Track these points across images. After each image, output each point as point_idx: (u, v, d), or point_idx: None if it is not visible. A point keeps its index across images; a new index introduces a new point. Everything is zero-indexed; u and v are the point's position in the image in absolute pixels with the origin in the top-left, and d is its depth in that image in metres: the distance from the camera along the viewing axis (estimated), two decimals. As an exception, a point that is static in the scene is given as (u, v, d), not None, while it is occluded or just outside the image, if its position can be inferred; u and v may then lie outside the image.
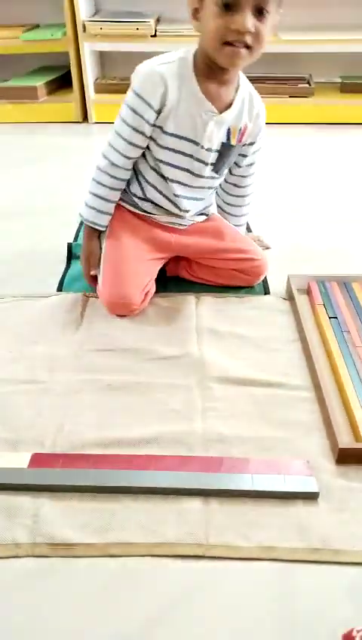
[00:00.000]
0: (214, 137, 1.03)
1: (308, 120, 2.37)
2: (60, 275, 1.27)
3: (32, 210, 1.63)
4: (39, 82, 2.41)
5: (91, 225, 1.10)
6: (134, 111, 0.98)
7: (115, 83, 2.49)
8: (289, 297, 1.17)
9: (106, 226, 1.10)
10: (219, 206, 1.23)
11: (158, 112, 0.98)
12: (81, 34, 2.31)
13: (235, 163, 1.12)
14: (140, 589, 0.65)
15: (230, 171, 1.14)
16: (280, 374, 0.95)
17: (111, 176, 1.06)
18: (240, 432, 0.84)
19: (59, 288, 1.22)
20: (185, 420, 0.86)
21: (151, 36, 2.28)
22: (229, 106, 1.01)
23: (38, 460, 0.78)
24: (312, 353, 0.97)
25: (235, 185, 1.17)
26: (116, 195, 1.09)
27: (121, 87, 2.47)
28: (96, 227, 1.10)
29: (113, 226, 1.12)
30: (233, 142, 1.05)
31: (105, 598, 0.64)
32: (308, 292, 1.18)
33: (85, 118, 2.46)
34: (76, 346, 1.03)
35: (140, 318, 1.10)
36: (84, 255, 1.13)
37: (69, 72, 2.42)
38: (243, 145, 1.09)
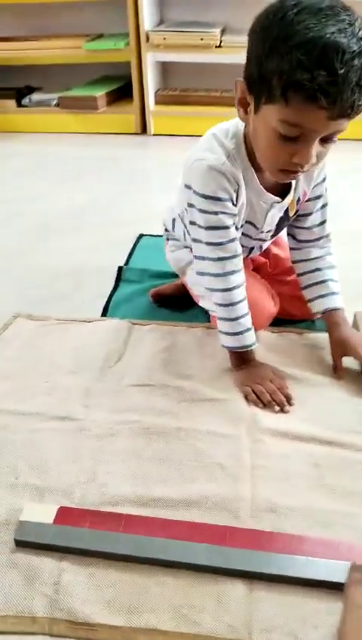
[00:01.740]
0: (275, 220, 0.94)
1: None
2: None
3: (84, 226, 1.58)
4: (99, 92, 2.38)
5: (238, 350, 0.92)
6: (216, 213, 0.84)
7: (176, 94, 2.43)
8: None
9: (254, 343, 0.92)
10: (302, 286, 1.02)
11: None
12: (144, 44, 2.26)
13: (302, 227, 0.98)
14: None
15: (299, 227, 0.98)
16: (347, 432, 0.83)
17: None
18: (294, 501, 0.72)
19: (104, 313, 1.15)
20: (230, 479, 0.76)
21: (216, 47, 2.21)
22: (289, 186, 0.90)
23: (64, 514, 0.70)
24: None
25: (310, 241, 0.98)
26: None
27: (181, 99, 2.41)
28: (245, 349, 0.92)
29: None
30: (291, 213, 0.95)
31: None
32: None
33: (144, 129, 2.41)
34: (116, 379, 0.95)
35: (187, 349, 1.01)
36: (252, 381, 0.90)
37: (129, 83, 2.38)
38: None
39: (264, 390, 0.88)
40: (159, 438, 0.83)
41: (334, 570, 0.63)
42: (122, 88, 2.48)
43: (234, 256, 0.87)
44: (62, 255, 1.42)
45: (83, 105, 2.38)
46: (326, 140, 0.73)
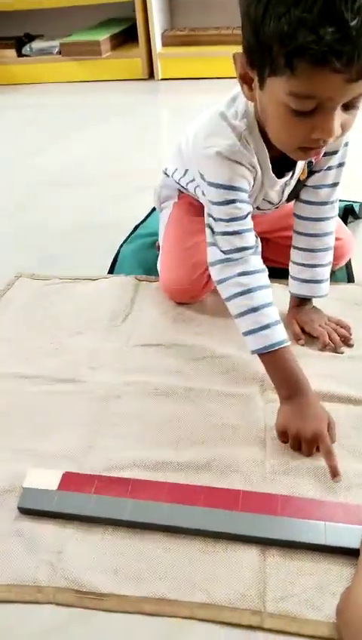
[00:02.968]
0: (289, 190, 0.83)
1: None
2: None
3: (92, 178, 1.51)
4: (103, 36, 2.25)
5: (272, 349, 0.72)
6: (232, 201, 0.73)
7: (184, 35, 2.28)
8: (379, 286, 0.97)
9: (286, 340, 0.73)
10: (292, 258, 0.90)
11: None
12: (148, -20, 2.11)
13: (313, 187, 0.83)
14: (178, 663, 0.52)
15: (308, 201, 0.84)
16: (365, 388, 0.78)
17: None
18: (311, 463, 0.68)
19: (111, 270, 1.09)
20: (243, 440, 0.72)
21: (226, -22, 2.04)
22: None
23: (69, 480, 0.67)
24: None
25: (315, 219, 0.85)
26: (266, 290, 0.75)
27: (190, 39, 2.27)
28: (279, 347, 0.72)
29: (175, 208, 0.99)
30: (302, 177, 0.81)
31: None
32: None
33: (151, 74, 2.28)
34: (123, 339, 0.91)
35: (197, 307, 0.95)
36: (296, 431, 0.69)
37: (134, 25, 2.24)
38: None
39: (299, 449, 0.69)
40: (168, 399, 0.79)
41: (355, 536, 0.59)
42: (127, 31, 2.34)
43: (252, 246, 0.75)
44: (67, 210, 1.35)
45: (86, 51, 2.26)
46: (349, 107, 0.60)
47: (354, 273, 1.02)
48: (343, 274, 1.01)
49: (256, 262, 0.75)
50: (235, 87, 0.71)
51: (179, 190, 0.99)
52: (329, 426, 0.68)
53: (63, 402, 0.79)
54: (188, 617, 0.55)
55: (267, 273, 0.76)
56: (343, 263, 1.01)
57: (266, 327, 0.72)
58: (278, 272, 0.98)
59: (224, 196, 0.73)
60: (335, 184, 0.82)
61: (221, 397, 0.78)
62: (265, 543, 0.60)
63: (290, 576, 0.57)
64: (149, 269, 1.06)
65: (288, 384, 0.72)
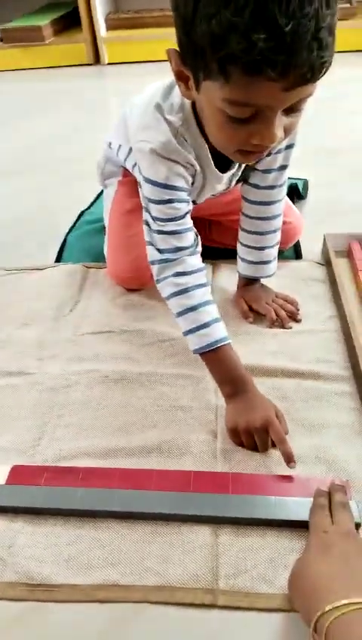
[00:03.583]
0: (233, 181, 0.80)
1: (349, 47, 2.06)
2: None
3: (39, 166, 1.47)
4: (44, 21, 2.19)
5: (213, 348, 0.70)
6: (170, 201, 0.71)
7: (128, 17, 2.24)
8: (326, 262, 0.98)
9: (226, 337, 0.71)
10: (240, 240, 0.89)
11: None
12: None
13: (261, 172, 0.80)
14: (133, 648, 0.52)
15: (256, 185, 0.81)
16: (313, 361, 0.78)
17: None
18: (262, 439, 0.68)
19: (58, 258, 1.07)
20: (194, 421, 0.71)
21: None
22: None
23: (18, 473, 0.65)
24: (353, 333, 0.79)
25: (263, 203, 0.83)
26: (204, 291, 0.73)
27: (135, 22, 2.23)
28: (219, 345, 0.70)
29: (119, 190, 0.96)
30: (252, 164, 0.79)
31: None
32: (349, 255, 0.99)
33: (97, 59, 2.23)
34: (71, 329, 0.89)
35: (146, 292, 0.94)
36: (245, 425, 0.67)
37: (77, 8, 2.18)
38: None
39: (254, 443, 0.67)
40: (118, 385, 0.78)
41: (304, 508, 0.59)
42: (69, 15, 2.28)
43: (191, 246, 0.72)
44: (11, 199, 1.32)
45: (28, 37, 2.19)
46: (292, 110, 0.56)
47: (301, 250, 1.02)
48: (291, 251, 1.01)
49: (194, 261, 0.72)
50: (170, 76, 0.64)
51: (123, 167, 0.94)
52: (278, 416, 0.67)
53: (11, 396, 0.77)
54: (141, 601, 0.55)
55: (205, 272, 0.73)
56: (292, 244, 1.01)
57: (205, 325, 0.70)
58: (227, 253, 0.99)
59: (160, 195, 0.70)
60: (283, 167, 0.80)
61: (172, 379, 0.78)
62: (218, 521, 0.60)
63: (242, 553, 0.57)
64: (97, 256, 1.03)
65: (230, 381, 0.70)
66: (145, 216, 0.73)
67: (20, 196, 1.33)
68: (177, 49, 0.56)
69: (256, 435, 0.66)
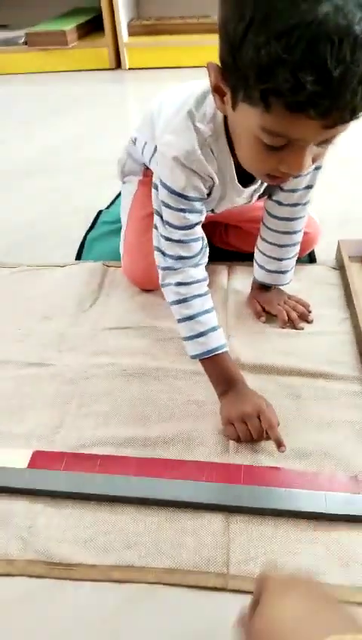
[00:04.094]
0: (254, 196, 0.80)
1: None
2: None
3: (59, 167, 1.51)
4: (69, 26, 2.23)
5: (208, 355, 0.73)
6: (184, 210, 0.71)
7: (150, 24, 2.28)
8: (340, 266, 1.01)
9: (224, 345, 0.74)
10: (258, 247, 0.89)
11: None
12: (112, -33, 2.10)
13: (289, 190, 0.80)
14: (147, 624, 0.54)
15: (279, 202, 0.82)
16: (326, 362, 0.81)
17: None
18: (273, 434, 0.70)
19: (78, 256, 1.10)
20: (209, 415, 0.74)
21: (190, -34, 2.05)
22: None
23: (39, 458, 0.68)
24: (364, 336, 0.82)
25: (286, 219, 0.83)
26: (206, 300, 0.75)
27: (156, 28, 2.27)
28: (214, 353, 0.73)
29: (140, 189, 0.97)
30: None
31: (107, 634, 0.54)
32: (362, 260, 1.01)
33: (118, 64, 2.27)
34: (91, 323, 0.92)
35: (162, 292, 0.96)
36: (237, 415, 0.70)
37: (100, 14, 2.23)
38: None
39: (248, 430, 0.69)
40: (135, 379, 0.80)
41: (313, 501, 0.61)
42: (93, 20, 2.33)
43: (195, 256, 0.74)
44: (34, 199, 1.35)
45: (52, 41, 2.24)
46: (324, 142, 0.56)
47: (315, 254, 1.04)
48: (305, 256, 1.04)
49: (195, 273, 0.73)
50: (206, 81, 0.62)
51: (145, 165, 0.94)
52: (268, 406, 0.70)
53: (33, 385, 0.80)
54: (155, 582, 0.57)
55: (207, 282, 0.75)
56: (308, 251, 1.03)
57: (201, 334, 0.72)
58: (242, 255, 1.02)
59: (175, 202, 0.70)
60: (309, 186, 0.80)
61: (187, 375, 0.80)
62: (229, 510, 0.62)
63: (252, 541, 0.60)
64: (115, 255, 1.06)
65: (223, 381, 0.73)
66: (156, 219, 0.74)
67: (42, 196, 1.37)
68: (218, 64, 0.55)
69: (248, 423, 0.68)
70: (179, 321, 0.74)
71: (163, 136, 0.70)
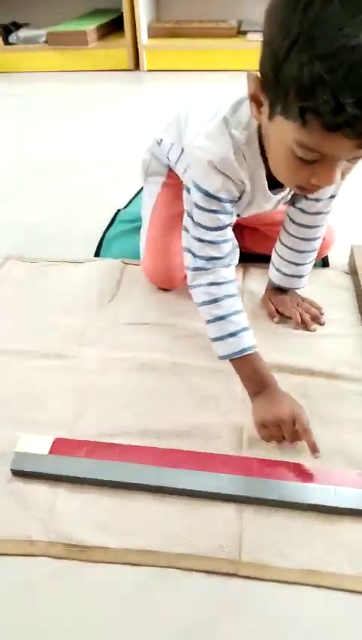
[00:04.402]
0: (281, 201, 0.83)
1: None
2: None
3: (77, 166, 1.54)
4: (90, 26, 2.27)
5: (240, 355, 0.74)
6: (217, 211, 0.73)
7: (169, 27, 2.31)
8: (352, 271, 1.03)
9: (253, 346, 0.75)
10: (277, 251, 0.92)
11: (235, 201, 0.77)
12: (135, -30, 2.13)
13: (313, 199, 0.82)
14: (159, 607, 0.57)
15: (302, 210, 0.84)
16: (337, 363, 0.83)
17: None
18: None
19: (97, 253, 1.13)
20: (223, 410, 0.77)
21: (212, -28, 2.08)
22: None
23: (60, 445, 0.71)
24: (375, 339, 0.84)
25: (307, 226, 0.86)
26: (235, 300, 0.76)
27: (175, 31, 2.30)
28: (245, 353, 0.74)
29: (164, 190, 0.99)
30: None
31: (120, 614, 0.57)
32: (374, 266, 1.03)
33: (137, 65, 2.30)
34: (110, 318, 0.95)
35: (181, 288, 0.99)
36: (272, 419, 0.71)
37: (121, 16, 2.26)
38: None
39: (282, 435, 0.71)
40: (153, 373, 0.83)
41: (324, 494, 0.64)
42: (114, 21, 2.36)
43: (226, 256, 0.75)
44: (54, 196, 1.39)
45: (73, 40, 2.27)
46: (354, 158, 0.59)
47: (328, 258, 1.07)
48: (319, 260, 1.06)
49: (226, 273, 0.75)
50: (241, 87, 0.65)
51: (169, 166, 0.95)
52: (301, 411, 0.70)
53: (54, 376, 0.83)
54: (168, 566, 0.60)
55: (237, 284, 0.77)
56: (323, 256, 1.05)
57: (233, 334, 0.74)
58: (257, 257, 1.04)
59: (209, 204, 0.72)
60: (333, 196, 0.82)
61: (203, 371, 0.83)
62: (242, 501, 0.65)
63: (264, 531, 0.62)
64: (132, 253, 1.09)
65: (255, 382, 0.74)
66: (186, 221, 0.76)
67: (60, 193, 1.40)
68: (258, 74, 0.57)
69: (283, 427, 0.69)
70: (209, 322, 0.76)
71: (196, 140, 0.72)
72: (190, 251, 0.76)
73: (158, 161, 0.98)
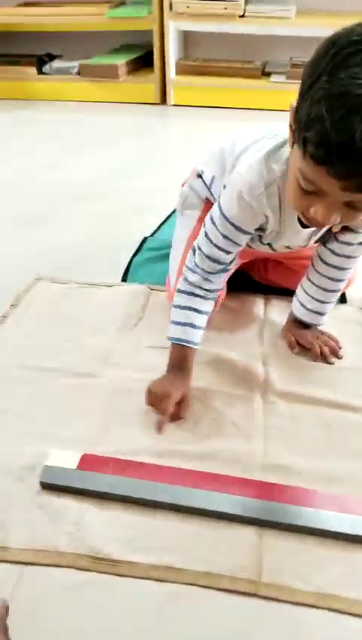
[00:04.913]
0: (313, 238, 0.88)
1: None
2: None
3: (105, 193, 1.60)
4: (120, 61, 2.37)
5: (180, 343, 0.85)
6: (226, 237, 0.81)
7: (196, 65, 2.42)
8: (369, 309, 1.07)
9: (191, 342, 0.85)
10: (303, 286, 0.95)
11: (260, 231, 0.84)
12: (166, 12, 2.24)
13: (344, 242, 0.87)
14: (182, 622, 0.59)
15: (332, 251, 0.89)
16: (355, 396, 0.86)
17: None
18: (305, 458, 0.76)
19: (124, 278, 1.18)
20: (244, 436, 0.80)
21: (240, 16, 2.18)
22: None
23: (87, 461, 0.74)
24: (392, 375, 0.87)
25: (335, 267, 0.90)
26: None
27: (202, 69, 2.40)
28: (188, 345, 0.85)
29: (197, 227, 0.99)
30: (335, 230, 0.83)
31: (144, 626, 0.59)
32: (391, 304, 1.07)
33: (164, 99, 2.40)
34: (135, 341, 0.99)
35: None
36: (160, 389, 0.82)
37: (151, 52, 2.36)
38: None
39: (159, 405, 0.81)
40: (176, 396, 0.86)
41: (341, 522, 0.66)
42: (143, 57, 2.46)
43: (214, 273, 0.84)
44: (82, 222, 1.44)
45: (104, 73, 2.37)
46: (352, 206, 0.62)
47: (346, 294, 1.11)
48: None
49: (207, 284, 0.84)
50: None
51: (207, 199, 0.99)
52: (182, 397, 0.81)
53: (80, 394, 0.87)
54: (190, 584, 0.62)
55: (216, 294, 0.87)
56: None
57: (182, 324, 0.84)
58: (279, 290, 1.08)
59: (222, 227, 0.79)
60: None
61: (224, 397, 0.86)
62: (262, 524, 0.67)
63: (284, 554, 0.65)
64: (157, 280, 1.13)
65: (173, 365, 0.86)
66: (201, 228, 0.83)
67: (89, 219, 1.45)
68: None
69: (157, 399, 0.80)
70: (173, 306, 0.86)
71: (238, 167, 0.79)
72: (193, 250, 0.84)
73: (196, 194, 1.01)
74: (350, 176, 0.56)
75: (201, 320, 0.86)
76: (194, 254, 0.84)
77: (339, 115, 0.52)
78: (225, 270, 0.85)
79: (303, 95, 0.57)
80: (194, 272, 0.85)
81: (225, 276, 0.87)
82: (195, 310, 0.85)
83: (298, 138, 0.60)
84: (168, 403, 0.80)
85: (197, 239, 0.84)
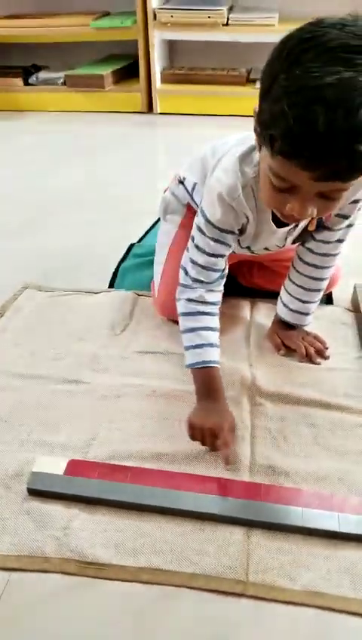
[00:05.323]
0: (288, 238, 0.89)
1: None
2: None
3: (90, 203, 1.61)
4: (106, 71, 2.39)
5: (203, 366, 0.82)
6: (217, 240, 0.81)
7: (182, 73, 2.44)
8: (355, 309, 1.08)
9: (214, 361, 0.82)
10: (285, 287, 0.97)
11: (239, 233, 0.84)
12: (151, 22, 2.27)
13: (321, 241, 0.88)
14: (171, 623, 0.59)
15: (311, 250, 0.90)
16: (341, 396, 0.87)
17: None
18: (291, 458, 0.77)
19: (111, 284, 1.19)
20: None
21: (223, 25, 2.21)
22: None
23: (74, 467, 0.74)
24: (377, 374, 0.88)
25: (315, 266, 0.91)
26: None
27: (188, 78, 2.42)
28: (209, 365, 0.82)
29: (179, 234, 1.01)
30: (310, 228, 0.82)
31: (133, 629, 0.59)
32: (376, 304, 1.08)
33: (150, 108, 2.42)
34: (122, 347, 0.99)
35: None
36: (203, 422, 0.77)
37: (136, 62, 2.38)
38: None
39: (205, 443, 0.77)
40: (163, 399, 0.87)
41: (327, 520, 0.67)
42: (129, 67, 2.48)
43: (211, 283, 0.84)
44: (69, 230, 1.45)
45: (89, 83, 2.39)
46: (325, 196, 0.63)
47: (332, 295, 1.12)
48: (324, 296, 1.11)
49: (208, 295, 0.83)
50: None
51: (189, 205, 1.00)
52: (230, 427, 0.77)
53: (68, 400, 0.87)
54: (179, 585, 0.62)
55: (217, 306, 0.85)
56: (327, 293, 1.10)
57: (198, 346, 0.82)
58: (265, 293, 1.09)
59: (208, 231, 0.80)
60: (340, 240, 0.88)
61: (211, 400, 0.86)
62: (250, 524, 0.68)
63: (270, 553, 0.65)
64: (144, 286, 1.14)
65: (203, 392, 0.82)
66: (189, 243, 0.84)
67: (75, 227, 1.46)
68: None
69: (204, 435, 0.76)
70: (183, 332, 0.84)
71: (214, 172, 0.80)
72: (183, 268, 0.85)
73: (178, 200, 1.02)
74: (318, 165, 0.57)
75: (215, 337, 0.83)
76: (186, 274, 0.84)
77: (300, 108, 0.54)
78: (222, 277, 0.85)
79: (264, 97, 0.59)
80: (193, 288, 0.84)
81: (223, 283, 0.86)
82: (208, 329, 0.83)
83: (264, 138, 0.61)
84: (223, 436, 0.75)
85: (187, 256, 0.84)
